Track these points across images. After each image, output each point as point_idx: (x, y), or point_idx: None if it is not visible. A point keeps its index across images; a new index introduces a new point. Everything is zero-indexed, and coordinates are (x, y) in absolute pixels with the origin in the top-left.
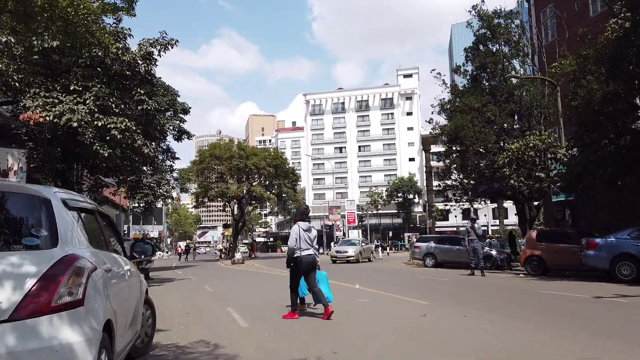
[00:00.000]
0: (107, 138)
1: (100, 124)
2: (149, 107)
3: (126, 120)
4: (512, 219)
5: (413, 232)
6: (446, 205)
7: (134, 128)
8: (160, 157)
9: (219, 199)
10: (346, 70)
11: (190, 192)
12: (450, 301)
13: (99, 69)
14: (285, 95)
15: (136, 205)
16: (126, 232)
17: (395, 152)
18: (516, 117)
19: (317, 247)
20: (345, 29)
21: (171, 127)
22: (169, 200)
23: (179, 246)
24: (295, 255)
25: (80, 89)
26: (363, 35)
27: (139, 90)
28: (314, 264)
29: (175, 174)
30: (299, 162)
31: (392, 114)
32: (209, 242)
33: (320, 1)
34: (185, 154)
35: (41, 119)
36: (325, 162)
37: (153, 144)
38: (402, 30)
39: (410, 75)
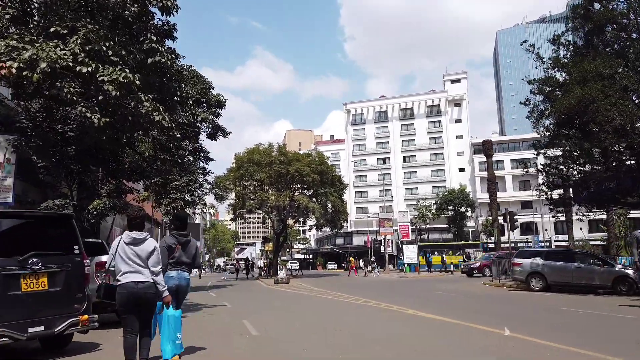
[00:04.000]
0: (100, 97)
1: (85, 71)
2: (163, 60)
3: (126, 71)
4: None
5: (474, 248)
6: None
7: (137, 83)
8: (190, 157)
9: (258, 210)
10: (378, 87)
11: (227, 205)
12: None
13: (93, 8)
14: (319, 112)
15: (163, 212)
16: None
17: (444, 162)
18: None
19: (157, 269)
20: (376, 46)
21: (204, 122)
22: (202, 207)
23: (236, 260)
24: (117, 284)
25: (65, 31)
26: (394, 52)
27: (149, 36)
28: (143, 299)
29: (209, 178)
30: (340, 175)
31: (439, 121)
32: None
33: (351, 21)
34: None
35: (4, 71)
36: (367, 174)
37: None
38: (433, 45)
39: (458, 81)
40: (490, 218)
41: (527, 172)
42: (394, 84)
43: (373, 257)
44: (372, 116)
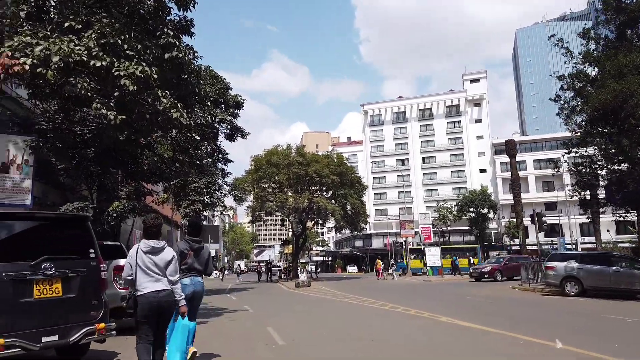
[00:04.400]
0: (116, 93)
1: (99, 65)
2: (180, 55)
3: (143, 64)
4: (605, 235)
5: (499, 250)
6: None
7: (155, 77)
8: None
9: (277, 212)
10: (394, 88)
11: (245, 206)
12: None
13: (108, 3)
14: (335, 115)
15: (182, 214)
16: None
17: (464, 163)
18: None
19: (175, 278)
20: (391, 48)
21: (223, 123)
22: (221, 209)
23: (257, 263)
24: (137, 294)
25: (80, 26)
26: (409, 53)
27: (166, 30)
28: (165, 308)
29: (228, 179)
30: (359, 176)
31: (458, 122)
32: (266, 261)
33: (366, 23)
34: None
35: (17, 68)
36: (386, 176)
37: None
38: (449, 46)
39: (477, 80)
40: (514, 220)
41: (558, 171)
42: (410, 85)
43: (392, 260)
44: (390, 117)
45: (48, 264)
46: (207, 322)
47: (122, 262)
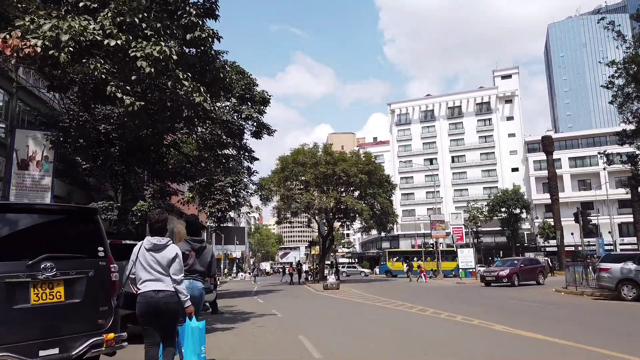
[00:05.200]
0: (133, 77)
1: (114, 44)
2: (203, 36)
3: (161, 44)
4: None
5: (535, 252)
6: None
7: (175, 58)
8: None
9: (303, 213)
10: (420, 89)
11: (271, 207)
12: None
13: None
14: (359, 116)
15: (207, 213)
16: None
17: (495, 161)
18: None
19: (180, 277)
20: (416, 48)
21: (249, 120)
22: (247, 209)
23: (289, 265)
24: (137, 292)
25: (96, 5)
26: (435, 53)
27: (188, 9)
28: (164, 310)
29: (254, 178)
30: (388, 175)
31: (489, 119)
32: (291, 263)
33: (391, 24)
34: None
35: (28, 50)
36: (414, 176)
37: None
38: (475, 45)
39: (509, 76)
40: (548, 220)
41: (609, 164)
42: (436, 85)
43: (420, 262)
44: (418, 116)
45: (48, 264)
46: (233, 328)
47: None
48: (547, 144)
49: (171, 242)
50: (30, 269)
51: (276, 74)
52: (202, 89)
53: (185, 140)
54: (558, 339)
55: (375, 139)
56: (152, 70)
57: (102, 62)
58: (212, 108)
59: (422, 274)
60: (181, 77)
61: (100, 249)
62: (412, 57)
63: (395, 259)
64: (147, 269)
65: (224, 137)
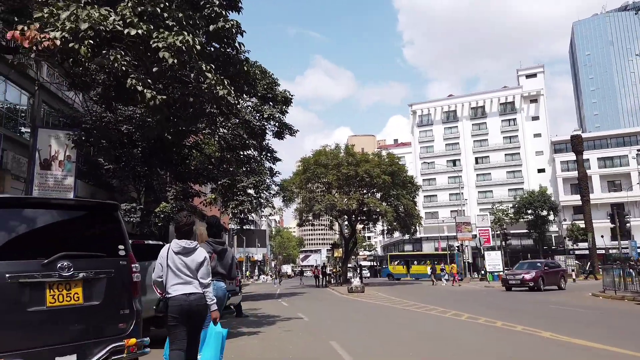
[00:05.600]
0: (155, 69)
1: (134, 34)
2: (227, 26)
3: (184, 33)
4: None
5: (567, 255)
6: None
7: (198, 48)
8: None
9: (325, 215)
10: (440, 90)
11: (293, 209)
12: None
13: None
14: (379, 118)
15: (229, 215)
16: None
17: (520, 162)
18: None
19: (207, 281)
20: (435, 50)
21: (271, 120)
22: (270, 210)
23: (315, 267)
24: (167, 296)
25: None
26: (455, 54)
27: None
28: (195, 312)
29: (277, 179)
30: (412, 176)
31: (514, 119)
32: (312, 265)
33: (410, 26)
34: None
35: (47, 44)
36: (437, 177)
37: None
38: (496, 46)
39: (534, 75)
40: (577, 222)
41: None
42: (457, 87)
43: (442, 265)
44: (440, 116)
45: (65, 263)
46: (258, 332)
47: None
48: (576, 144)
49: (199, 245)
50: (46, 269)
51: (295, 77)
52: (225, 82)
53: (207, 142)
54: (618, 348)
55: (396, 140)
56: (175, 61)
57: (123, 54)
58: (235, 102)
59: (450, 276)
60: (204, 68)
61: (121, 247)
62: (431, 59)
63: (396, 262)
64: (176, 272)
65: (246, 137)
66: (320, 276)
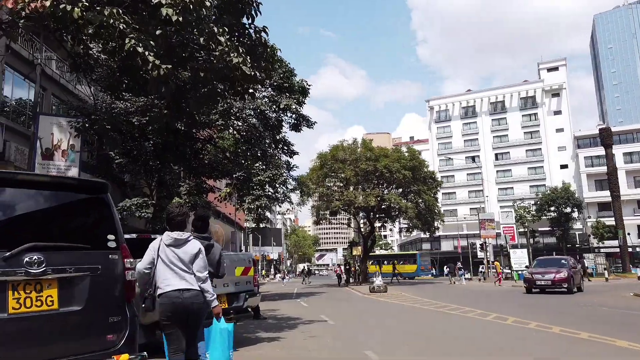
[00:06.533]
0: (158, 32)
1: None
2: None
3: None
4: None
5: (595, 253)
6: None
7: (207, 4)
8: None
9: (343, 212)
10: (455, 89)
11: (309, 206)
12: None
13: None
14: (393, 117)
15: (245, 211)
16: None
17: (542, 158)
18: None
19: (204, 274)
20: (450, 48)
21: (288, 111)
22: (287, 206)
23: (337, 266)
24: (158, 292)
25: None
26: (470, 52)
27: None
28: (191, 310)
29: (294, 173)
30: (433, 171)
31: (534, 114)
32: (327, 265)
33: (423, 25)
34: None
35: (36, 4)
36: (455, 174)
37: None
38: (511, 43)
39: (555, 69)
40: (602, 219)
41: None
42: (472, 85)
43: (460, 264)
44: (459, 112)
45: (35, 257)
46: (280, 338)
47: None
48: (605, 137)
49: (192, 236)
50: (8, 264)
51: (308, 77)
52: (240, 49)
53: (221, 136)
54: None
55: (411, 138)
56: (180, 19)
57: (121, 11)
58: (252, 73)
59: (499, 277)
60: (216, 31)
61: (111, 237)
62: (445, 57)
63: (371, 262)
64: (169, 265)
65: (261, 129)
66: (343, 275)
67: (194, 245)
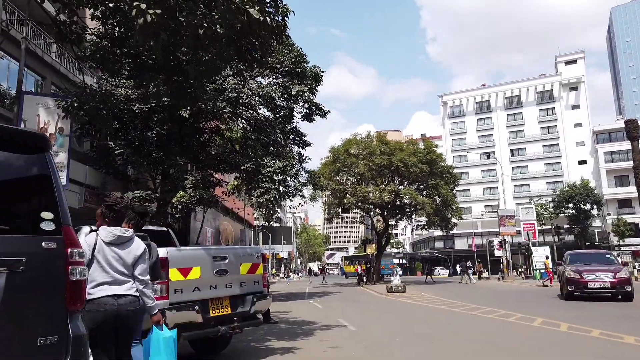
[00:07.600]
0: None
1: None
2: None
3: None
4: None
5: (619, 252)
6: None
7: None
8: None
9: (356, 208)
10: (465, 86)
11: (321, 203)
12: None
13: None
14: (402, 115)
15: (254, 206)
16: None
17: (560, 154)
18: None
19: (147, 278)
20: (459, 46)
21: (299, 99)
22: (300, 197)
23: (358, 264)
24: (87, 298)
25: None
26: (479, 50)
27: None
28: (124, 319)
29: (306, 165)
30: (450, 165)
31: (552, 109)
32: (337, 263)
33: (433, 23)
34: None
35: None
36: (469, 171)
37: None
38: (521, 40)
39: (573, 62)
40: (623, 216)
41: None
42: (483, 81)
43: (469, 262)
44: (473, 107)
45: None
46: (295, 349)
47: (163, 252)
48: (631, 129)
49: (134, 234)
50: None
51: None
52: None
53: (229, 127)
54: None
55: (423, 135)
56: None
57: None
58: (261, 18)
59: (550, 276)
60: None
61: (48, 216)
62: (455, 55)
63: (347, 263)
64: (105, 268)
65: (272, 118)
66: (364, 274)
67: (138, 245)
